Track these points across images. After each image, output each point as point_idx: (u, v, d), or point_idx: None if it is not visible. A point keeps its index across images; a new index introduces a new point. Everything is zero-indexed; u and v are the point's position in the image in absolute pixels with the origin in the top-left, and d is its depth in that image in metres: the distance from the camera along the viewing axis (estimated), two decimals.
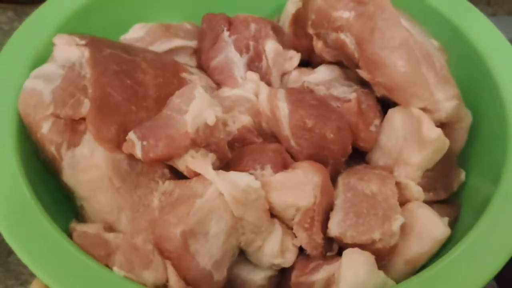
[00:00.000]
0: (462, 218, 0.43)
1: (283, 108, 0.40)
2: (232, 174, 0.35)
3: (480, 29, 0.47)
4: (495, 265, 0.34)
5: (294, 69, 0.50)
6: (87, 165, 0.39)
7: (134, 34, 0.51)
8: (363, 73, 0.43)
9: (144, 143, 0.35)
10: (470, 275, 0.34)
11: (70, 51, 0.44)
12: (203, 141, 0.36)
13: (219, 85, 0.49)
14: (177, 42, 0.52)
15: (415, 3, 0.50)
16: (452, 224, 0.41)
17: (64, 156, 0.39)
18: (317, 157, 0.40)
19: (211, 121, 0.36)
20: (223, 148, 0.38)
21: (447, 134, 0.43)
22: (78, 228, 0.37)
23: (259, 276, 0.39)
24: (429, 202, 0.42)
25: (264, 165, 0.37)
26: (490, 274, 0.34)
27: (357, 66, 0.43)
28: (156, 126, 0.37)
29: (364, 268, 0.33)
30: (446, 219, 0.40)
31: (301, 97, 0.42)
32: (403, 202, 0.41)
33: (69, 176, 0.39)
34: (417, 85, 0.40)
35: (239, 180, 0.35)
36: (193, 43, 0.52)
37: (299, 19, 0.48)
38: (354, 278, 0.33)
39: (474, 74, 0.46)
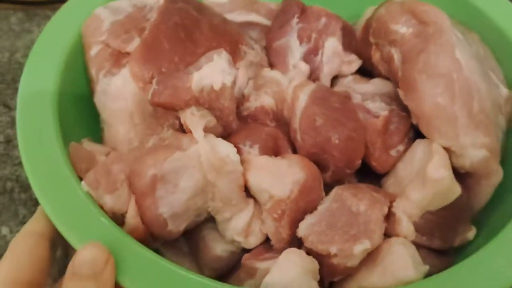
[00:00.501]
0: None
1: (302, 100, 0.40)
2: (218, 141, 0.37)
3: None
4: None
5: (351, 74, 0.49)
6: (117, 95, 0.43)
7: None
8: (401, 93, 0.41)
9: (156, 87, 0.38)
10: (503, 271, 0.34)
11: None
12: (206, 102, 0.38)
13: (272, 66, 0.50)
14: (254, 17, 0.54)
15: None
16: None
17: (100, 81, 0.43)
18: (318, 158, 0.40)
19: (217, 85, 0.37)
20: (227, 117, 0.39)
21: (469, 186, 0.40)
22: (84, 143, 0.41)
23: (220, 247, 0.40)
24: (419, 245, 0.39)
25: (254, 144, 0.38)
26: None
27: (398, 85, 0.41)
28: (174, 76, 0.39)
29: (295, 270, 0.32)
30: (426, 267, 0.37)
31: (326, 96, 0.41)
32: (392, 234, 0.39)
33: (99, 99, 0.44)
34: (443, 120, 0.37)
35: (221, 147, 0.36)
36: (269, 23, 0.54)
37: (368, 26, 0.47)
38: (280, 276, 0.32)
39: None
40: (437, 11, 0.40)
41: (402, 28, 0.41)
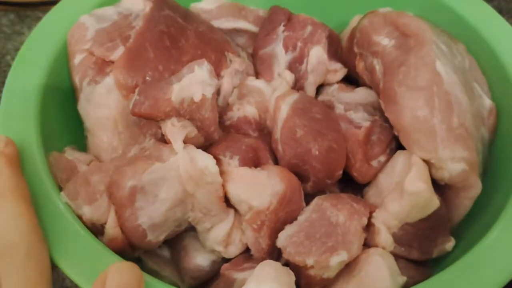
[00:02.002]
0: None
1: (283, 111, 0.41)
2: (197, 152, 0.37)
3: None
4: (505, 276, 0.34)
5: (337, 82, 0.50)
6: (100, 102, 0.43)
7: (204, 5, 0.54)
8: (382, 105, 0.41)
9: (137, 98, 0.38)
10: (480, 282, 0.34)
11: (136, 2, 0.49)
12: (187, 113, 0.38)
13: (258, 74, 0.50)
14: (241, 24, 0.54)
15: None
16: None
17: (84, 89, 0.44)
18: (298, 169, 0.40)
19: (196, 97, 0.37)
20: (208, 127, 0.39)
21: (448, 198, 0.40)
22: (67, 152, 0.41)
23: (201, 256, 0.40)
24: (398, 256, 0.39)
25: (234, 155, 0.38)
26: (500, 283, 0.34)
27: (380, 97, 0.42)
28: (155, 86, 0.39)
29: (269, 283, 0.33)
30: (404, 278, 0.37)
31: (308, 107, 0.41)
32: (371, 245, 0.39)
33: (82, 107, 0.44)
34: (422, 133, 0.38)
35: (200, 159, 0.36)
36: (256, 30, 0.54)
37: (353, 36, 0.47)
38: None
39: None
40: (420, 23, 0.41)
41: (384, 40, 0.41)
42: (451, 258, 0.40)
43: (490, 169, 0.43)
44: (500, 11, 0.71)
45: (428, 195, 0.37)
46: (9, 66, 0.65)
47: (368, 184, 0.44)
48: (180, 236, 0.41)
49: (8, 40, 0.69)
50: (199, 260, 0.40)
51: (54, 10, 0.47)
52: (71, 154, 0.40)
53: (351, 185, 0.44)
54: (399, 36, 0.41)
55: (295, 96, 0.42)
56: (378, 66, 0.41)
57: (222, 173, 0.37)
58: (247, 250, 0.40)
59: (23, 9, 0.73)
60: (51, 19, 0.46)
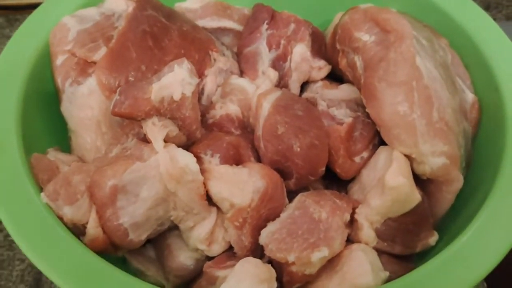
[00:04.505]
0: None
1: (265, 109, 0.41)
2: (178, 151, 0.37)
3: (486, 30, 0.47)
4: (486, 267, 0.35)
5: (322, 80, 0.50)
6: (83, 103, 0.43)
7: (189, 4, 0.54)
8: (363, 100, 0.41)
9: (118, 97, 0.38)
10: (460, 275, 0.34)
11: (119, 3, 0.49)
12: (167, 112, 0.38)
13: (242, 73, 0.50)
14: (226, 23, 0.54)
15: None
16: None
17: (66, 90, 0.44)
18: (281, 166, 0.40)
19: (176, 96, 0.37)
20: (189, 126, 0.39)
21: (431, 192, 0.40)
22: (49, 153, 0.41)
23: (184, 254, 0.40)
24: (381, 251, 0.39)
25: (215, 153, 0.38)
26: (480, 275, 0.34)
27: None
28: (136, 86, 0.39)
29: (249, 280, 0.33)
30: (386, 273, 0.37)
31: (290, 104, 0.41)
32: (354, 240, 0.39)
33: (65, 108, 0.44)
34: (402, 128, 0.38)
35: (180, 157, 0.36)
36: (241, 28, 0.54)
37: (335, 33, 0.47)
38: (235, 285, 0.33)
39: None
40: (399, 19, 0.40)
41: (365, 36, 0.41)
42: (435, 252, 0.40)
43: (473, 163, 0.43)
44: (488, 5, 0.71)
45: (408, 189, 0.37)
46: None
47: (352, 180, 0.44)
48: (164, 235, 0.41)
49: None
50: (183, 258, 0.40)
51: (37, 12, 0.47)
52: (53, 155, 0.40)
53: (336, 181, 0.44)
54: (379, 32, 0.41)
55: (277, 93, 0.42)
56: (359, 62, 0.41)
57: (203, 171, 0.37)
58: (230, 248, 0.40)
59: (12, 13, 0.73)
60: (34, 20, 0.46)
